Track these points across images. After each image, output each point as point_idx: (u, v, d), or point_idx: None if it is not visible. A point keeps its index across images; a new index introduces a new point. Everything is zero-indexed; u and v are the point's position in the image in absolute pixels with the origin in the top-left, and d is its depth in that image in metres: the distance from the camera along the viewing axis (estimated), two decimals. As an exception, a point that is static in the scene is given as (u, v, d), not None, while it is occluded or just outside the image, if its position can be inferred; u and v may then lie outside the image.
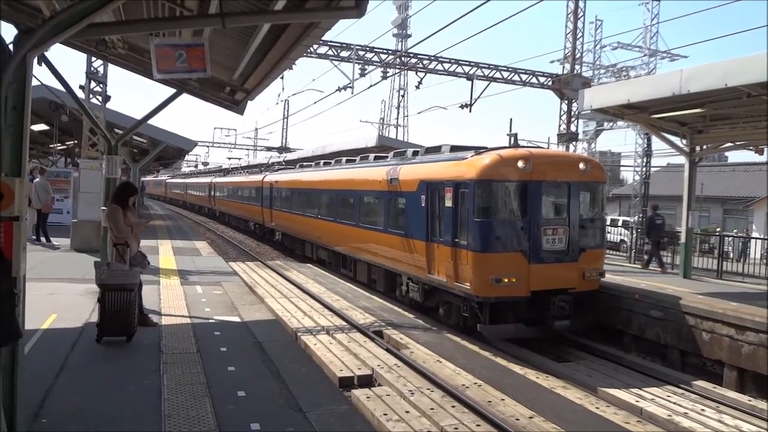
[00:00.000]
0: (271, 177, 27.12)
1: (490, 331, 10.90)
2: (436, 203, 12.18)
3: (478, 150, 11.96)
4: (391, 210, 14.52)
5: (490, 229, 10.87)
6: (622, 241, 24.22)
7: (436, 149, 13.81)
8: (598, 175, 12.14)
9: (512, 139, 13.24)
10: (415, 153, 14.75)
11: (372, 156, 18.18)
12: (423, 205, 12.57)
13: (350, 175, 17.81)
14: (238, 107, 12.68)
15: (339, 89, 22.03)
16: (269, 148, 55.41)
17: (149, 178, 77.37)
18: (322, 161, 23.32)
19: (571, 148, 26.46)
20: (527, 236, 10.93)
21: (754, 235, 29.63)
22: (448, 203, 11.63)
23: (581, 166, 11.74)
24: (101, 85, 18.36)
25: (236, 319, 9.88)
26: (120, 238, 8.03)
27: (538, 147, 19.75)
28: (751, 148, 14.96)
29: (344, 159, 20.55)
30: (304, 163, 26.11)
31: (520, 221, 11.03)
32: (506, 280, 10.65)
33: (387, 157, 16.49)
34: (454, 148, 13.13)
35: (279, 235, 26.34)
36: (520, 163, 10.97)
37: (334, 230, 18.31)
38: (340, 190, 18.24)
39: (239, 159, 61.97)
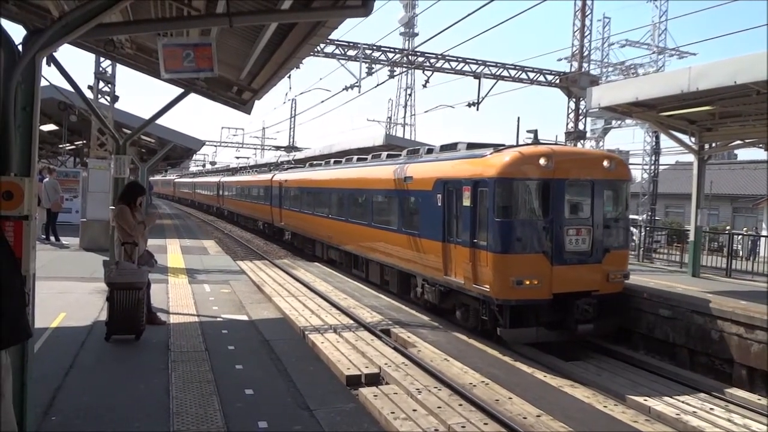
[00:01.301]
0: (281, 176, 27.05)
1: (510, 335, 10.61)
2: (454, 202, 11.83)
3: (497, 147, 11.59)
4: (405, 209, 14.21)
5: (511, 230, 10.54)
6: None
7: (452, 147, 13.40)
8: (623, 173, 11.86)
9: (533, 135, 12.70)
10: (430, 151, 14.39)
11: (384, 154, 17.96)
12: (439, 204, 12.25)
13: (362, 173, 17.58)
14: (245, 106, 12.71)
15: (346, 88, 21.98)
16: (277, 147, 55.52)
17: (158, 177, 77.80)
18: (332, 160, 23.16)
19: (579, 146, 26.33)
20: (549, 237, 10.60)
21: (764, 233, 29.39)
22: (467, 202, 11.30)
23: (605, 163, 11.38)
24: (110, 86, 18.50)
25: (244, 317, 9.90)
26: (129, 236, 8.07)
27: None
28: (761, 145, 14.86)
29: (355, 157, 20.37)
30: (314, 162, 26.03)
31: (542, 221, 10.68)
32: (528, 282, 10.31)
33: (400, 155, 16.18)
34: (471, 146, 12.73)
35: (289, 235, 26.29)
36: (542, 161, 10.61)
37: (345, 230, 18.13)
38: (351, 189, 18.00)
39: (247, 158, 62.17)
